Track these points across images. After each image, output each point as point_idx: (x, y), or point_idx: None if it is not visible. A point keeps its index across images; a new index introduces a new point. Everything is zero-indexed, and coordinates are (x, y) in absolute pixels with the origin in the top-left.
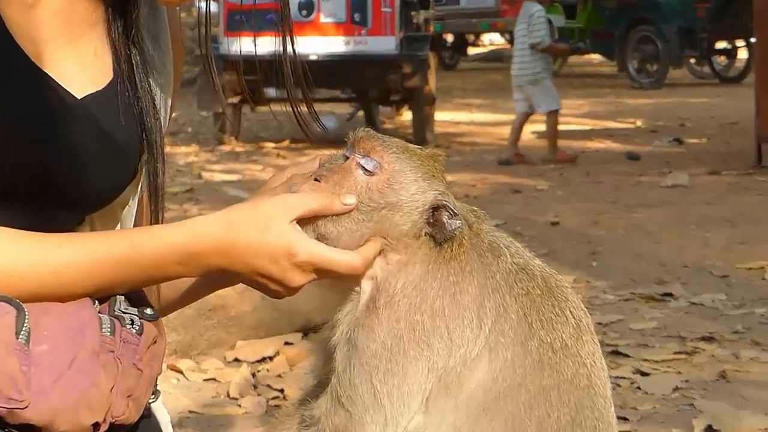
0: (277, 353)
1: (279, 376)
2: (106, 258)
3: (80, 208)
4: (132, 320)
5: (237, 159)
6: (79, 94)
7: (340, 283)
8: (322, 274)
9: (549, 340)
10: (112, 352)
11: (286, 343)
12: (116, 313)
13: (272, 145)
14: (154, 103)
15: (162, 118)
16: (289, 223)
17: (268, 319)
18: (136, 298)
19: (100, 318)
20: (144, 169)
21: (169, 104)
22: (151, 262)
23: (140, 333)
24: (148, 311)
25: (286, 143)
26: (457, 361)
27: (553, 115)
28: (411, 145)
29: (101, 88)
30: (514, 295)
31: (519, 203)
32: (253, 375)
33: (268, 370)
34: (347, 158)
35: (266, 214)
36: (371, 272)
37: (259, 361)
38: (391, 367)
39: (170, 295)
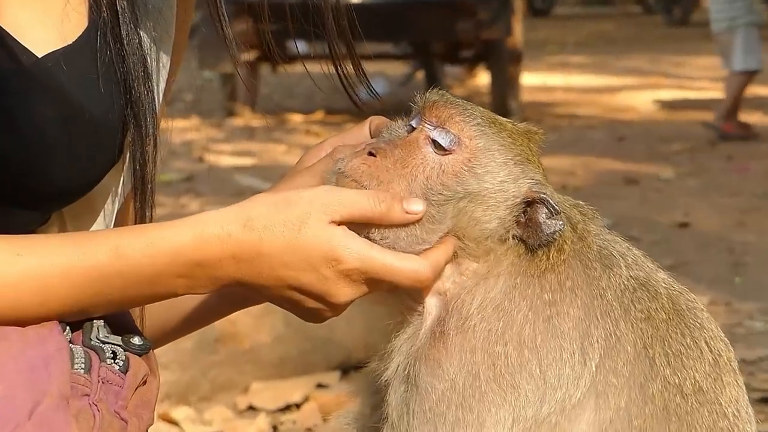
0: (307, 399)
1: (309, 430)
2: (80, 268)
3: (43, 202)
4: (114, 353)
5: (252, 136)
6: (40, 52)
7: (396, 298)
8: (376, 285)
9: (677, 381)
10: (87, 396)
11: (319, 386)
12: (93, 343)
13: (300, 118)
14: (144, 64)
15: (156, 84)
16: (329, 223)
17: (295, 353)
18: (120, 322)
19: (71, 350)
20: (128, 152)
21: (167, 66)
22: (142, 275)
23: (125, 370)
24: (136, 340)
25: (318, 115)
26: (552, 409)
27: (743, 77)
28: (500, 118)
29: (70, 43)
30: (630, 320)
31: (635, 197)
32: (274, 428)
33: (294, 422)
34: (413, 129)
35: (300, 208)
36: (439, 286)
37: (282, 410)
38: (463, 415)
39: (167, 318)
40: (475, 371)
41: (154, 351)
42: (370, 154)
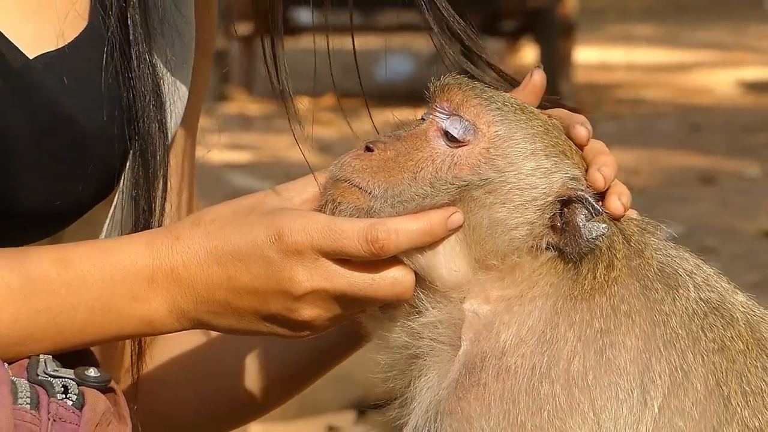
0: None
1: None
2: (22, 278)
3: (18, 230)
4: (65, 387)
5: (248, 126)
6: (32, 52)
7: (411, 332)
8: (349, 305)
9: (757, 425)
10: None
11: (331, 429)
12: (40, 378)
13: (306, 103)
14: (157, 93)
15: (169, 117)
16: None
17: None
18: (73, 355)
19: (13, 383)
20: (124, 180)
21: (185, 98)
22: (91, 289)
23: (80, 406)
24: (92, 372)
25: (328, 100)
26: None
27: None
28: (533, 108)
29: (67, 43)
30: (700, 351)
31: (713, 200)
32: None
33: None
34: (424, 119)
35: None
36: (460, 314)
37: None
38: None
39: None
40: (519, 421)
41: (116, 386)
42: (367, 149)
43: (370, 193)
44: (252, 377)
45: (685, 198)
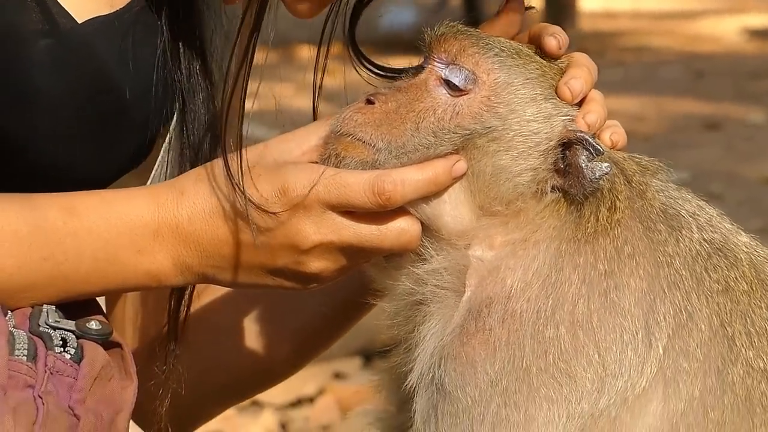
0: (322, 391)
1: (324, 428)
2: (29, 224)
3: (53, 188)
4: (64, 339)
5: (253, 74)
6: (81, 17)
7: (415, 277)
8: (355, 256)
9: (762, 365)
10: (31, 387)
11: (337, 376)
12: (41, 329)
13: (311, 51)
14: (204, 59)
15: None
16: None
17: None
18: (77, 305)
19: (11, 335)
20: (167, 150)
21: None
22: (97, 239)
23: (78, 359)
24: (93, 324)
25: (334, 48)
26: (611, 400)
27: None
28: (528, 49)
29: (116, 10)
30: (704, 292)
31: (717, 146)
32: (283, 427)
33: (306, 418)
34: (422, 68)
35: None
36: (464, 260)
37: (292, 405)
38: (507, 415)
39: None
40: (524, 364)
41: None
42: (368, 102)
43: (373, 146)
44: (273, 345)
45: (689, 144)
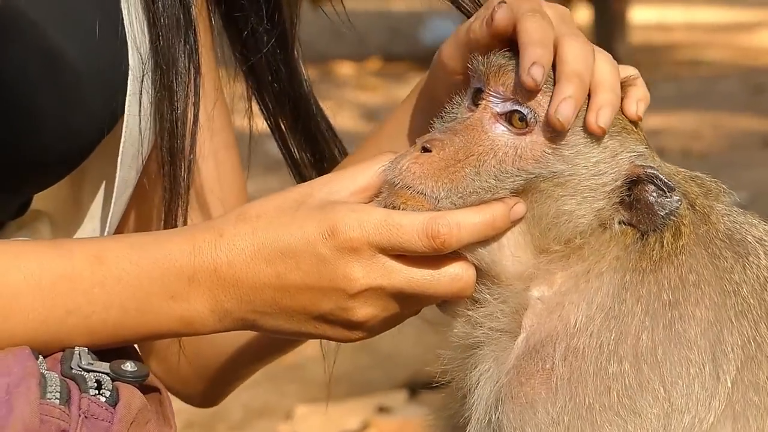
0: (366, 426)
1: None
2: (54, 275)
3: (18, 177)
4: (99, 382)
5: None
6: None
7: (464, 317)
8: (405, 303)
9: None
10: (65, 431)
11: (381, 410)
12: (73, 371)
13: (350, 68)
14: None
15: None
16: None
17: (351, 369)
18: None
19: (43, 376)
20: (132, 108)
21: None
22: (127, 288)
23: (114, 402)
24: (129, 366)
25: (373, 64)
26: None
27: None
28: None
29: None
30: None
31: None
32: None
33: None
34: (477, 104)
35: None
36: (522, 301)
37: None
38: None
39: (208, 355)
40: (586, 402)
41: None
42: (424, 150)
43: (435, 198)
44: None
45: (748, 163)
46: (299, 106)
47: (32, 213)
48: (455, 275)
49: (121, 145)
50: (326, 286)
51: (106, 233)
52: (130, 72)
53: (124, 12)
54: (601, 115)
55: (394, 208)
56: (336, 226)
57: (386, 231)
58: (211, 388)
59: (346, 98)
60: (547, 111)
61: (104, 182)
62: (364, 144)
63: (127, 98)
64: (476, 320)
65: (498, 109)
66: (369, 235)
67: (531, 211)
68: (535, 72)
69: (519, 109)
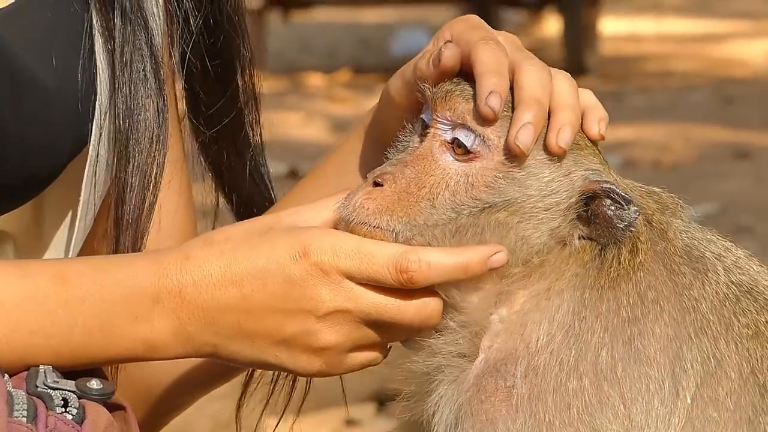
0: None
1: None
2: (17, 295)
3: None
4: (65, 399)
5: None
6: None
7: (426, 347)
8: (371, 331)
9: None
10: None
11: (349, 422)
12: (39, 390)
13: (320, 79)
14: (147, 33)
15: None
16: (323, 277)
17: (318, 381)
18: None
19: (10, 394)
20: (98, 134)
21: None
22: (90, 308)
23: (80, 420)
24: (94, 384)
25: (343, 76)
26: None
27: None
28: None
29: (11, 2)
30: (733, 338)
31: (748, 176)
32: None
33: None
34: (425, 133)
35: (280, 232)
36: (482, 325)
37: None
38: None
39: (159, 381)
40: (546, 419)
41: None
42: (376, 184)
43: (392, 231)
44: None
45: (718, 174)
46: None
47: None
48: (422, 303)
49: (87, 167)
50: (292, 308)
51: (70, 255)
52: (97, 99)
53: (97, 44)
54: (562, 135)
55: None
56: (308, 248)
57: (357, 259)
58: (150, 416)
59: (315, 109)
60: (507, 137)
61: (67, 205)
62: (303, 182)
63: (94, 124)
64: (437, 347)
65: (446, 137)
66: (340, 260)
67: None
68: (492, 101)
69: (462, 137)
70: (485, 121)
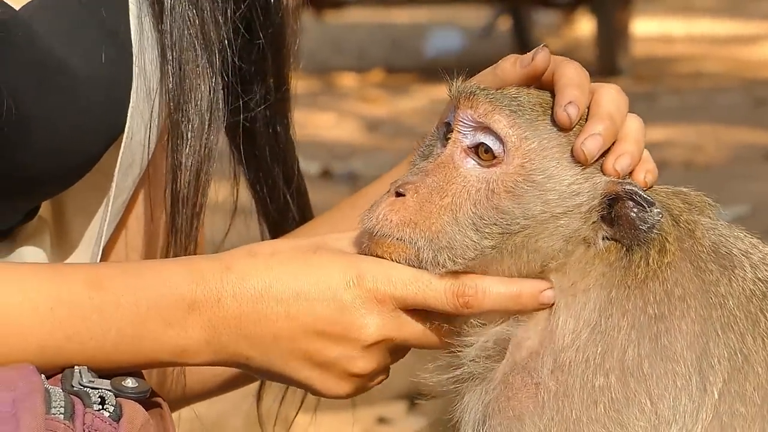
0: None
1: None
2: (52, 300)
3: (21, 189)
4: (102, 398)
5: (292, 103)
6: (17, 3)
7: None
8: (397, 354)
9: None
10: None
11: (381, 420)
12: (75, 388)
13: (352, 79)
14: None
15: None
16: (361, 301)
17: None
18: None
19: (47, 392)
20: (130, 123)
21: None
22: (124, 314)
23: (117, 417)
24: (130, 382)
25: (375, 76)
26: None
27: None
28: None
29: None
30: (760, 333)
31: None
32: None
33: None
34: (447, 137)
35: (327, 255)
36: (509, 323)
37: None
38: None
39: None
40: (573, 415)
41: (160, 399)
42: (398, 194)
43: (415, 245)
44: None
45: (750, 175)
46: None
47: (39, 221)
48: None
49: (121, 152)
50: (339, 334)
51: (102, 241)
52: (133, 86)
53: (133, 29)
54: (620, 162)
55: (376, 257)
56: (363, 275)
57: (414, 288)
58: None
59: (348, 109)
60: (575, 141)
61: (97, 190)
62: (345, 203)
63: (130, 110)
64: (464, 356)
65: (467, 142)
66: (396, 289)
67: (514, 264)
68: (570, 110)
69: (485, 141)
70: (563, 126)
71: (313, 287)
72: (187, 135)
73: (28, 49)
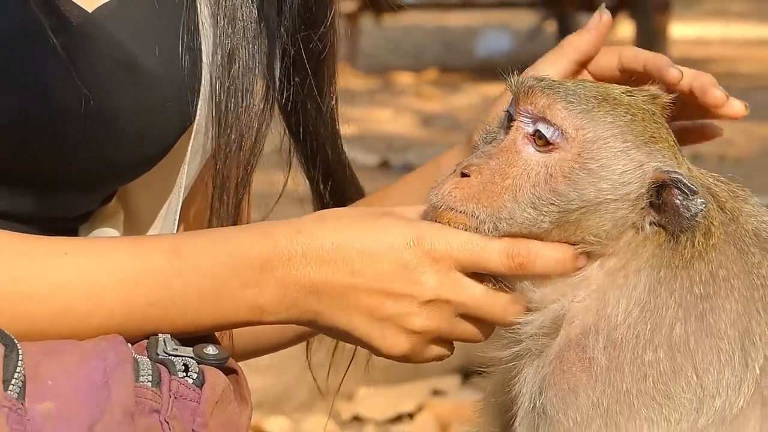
0: (421, 408)
1: None
2: (135, 269)
3: (106, 177)
4: (186, 365)
5: (352, 100)
6: (90, 6)
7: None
8: (456, 325)
9: None
10: (157, 412)
11: (436, 393)
12: (160, 356)
13: (409, 77)
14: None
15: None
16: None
17: None
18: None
19: (136, 361)
20: (201, 116)
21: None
22: (204, 278)
23: (200, 384)
24: (211, 350)
25: (430, 74)
26: (710, 420)
27: None
28: (612, 88)
29: None
30: None
31: None
32: None
33: None
34: (509, 125)
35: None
36: (562, 303)
37: (392, 420)
38: None
39: (242, 338)
40: (624, 387)
41: (239, 364)
42: (463, 174)
43: (476, 218)
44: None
45: None
46: (332, 160)
47: (114, 205)
48: (512, 297)
49: (191, 140)
50: (398, 290)
51: (176, 221)
52: (203, 80)
53: (201, 27)
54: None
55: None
56: (422, 237)
57: (470, 247)
58: None
59: (404, 105)
60: (724, 106)
61: (165, 173)
62: (401, 181)
63: (199, 102)
64: (521, 335)
65: (529, 129)
66: (453, 249)
67: (559, 236)
68: (675, 70)
69: (543, 129)
70: (671, 82)
71: (376, 247)
72: (237, 126)
73: (102, 50)
